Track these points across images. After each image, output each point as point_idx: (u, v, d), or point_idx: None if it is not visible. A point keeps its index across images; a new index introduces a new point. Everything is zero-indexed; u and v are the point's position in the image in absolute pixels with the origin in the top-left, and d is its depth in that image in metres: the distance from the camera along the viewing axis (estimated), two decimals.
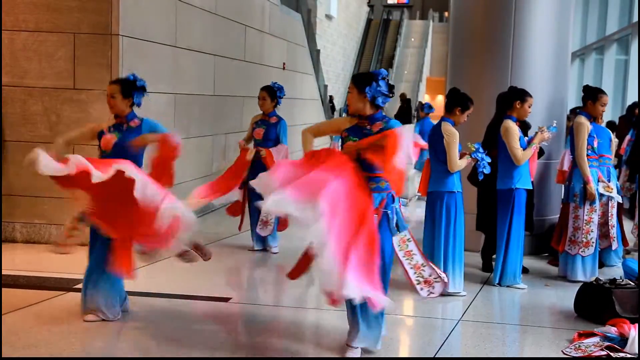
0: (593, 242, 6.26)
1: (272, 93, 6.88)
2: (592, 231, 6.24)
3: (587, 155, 6.22)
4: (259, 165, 6.61)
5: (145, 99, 7.65)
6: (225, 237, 7.68)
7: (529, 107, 6.05)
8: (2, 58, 6.87)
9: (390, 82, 4.33)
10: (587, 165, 6.20)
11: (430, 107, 13.42)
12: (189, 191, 8.72)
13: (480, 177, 5.73)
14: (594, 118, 6.37)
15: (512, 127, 5.94)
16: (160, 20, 7.90)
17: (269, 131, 6.82)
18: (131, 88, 4.97)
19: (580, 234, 6.27)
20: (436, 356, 4.44)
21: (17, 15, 6.91)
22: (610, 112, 14.89)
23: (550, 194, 7.37)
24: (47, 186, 6.95)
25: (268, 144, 6.82)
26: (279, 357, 4.31)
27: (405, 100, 21.14)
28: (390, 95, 4.29)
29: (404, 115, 19.62)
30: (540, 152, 6.48)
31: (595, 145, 6.33)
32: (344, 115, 10.53)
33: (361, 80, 4.27)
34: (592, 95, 6.37)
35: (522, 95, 6.05)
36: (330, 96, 22.27)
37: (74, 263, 6.31)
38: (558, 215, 7.16)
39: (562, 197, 6.65)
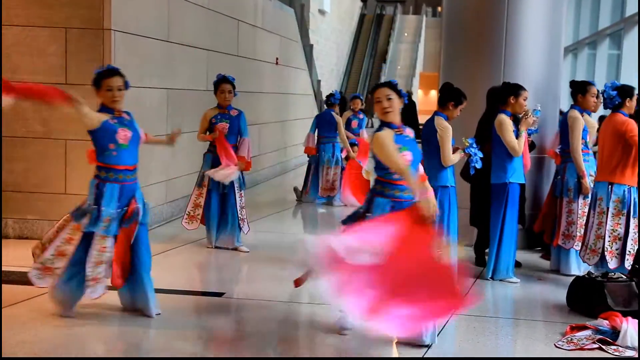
0: None
1: (234, 86, 6.89)
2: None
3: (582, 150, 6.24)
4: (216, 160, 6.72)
5: (138, 93, 7.65)
6: None
7: (524, 100, 6.07)
8: (1, 54, 6.83)
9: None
10: (582, 160, 6.22)
11: None
12: (182, 187, 8.74)
13: (472, 172, 5.74)
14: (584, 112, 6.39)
15: (505, 121, 5.96)
16: (153, 15, 7.87)
17: (232, 125, 6.78)
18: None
19: (575, 228, 6.28)
20: (429, 349, 4.44)
21: (9, 10, 6.87)
22: (602, 106, 14.90)
23: (543, 188, 7.39)
24: (39, 182, 6.97)
25: (232, 138, 6.77)
26: (280, 356, 4.30)
27: (409, 98, 20.96)
28: None
29: (409, 114, 19.29)
30: (532, 146, 6.49)
31: (589, 139, 6.34)
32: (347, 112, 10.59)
33: (396, 87, 4.38)
34: (580, 89, 6.40)
35: (515, 90, 6.06)
36: (340, 92, 22.19)
37: None
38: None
39: (552, 191, 6.62)
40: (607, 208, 5.64)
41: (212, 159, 6.77)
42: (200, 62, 9.25)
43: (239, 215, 6.80)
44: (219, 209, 6.84)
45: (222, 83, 6.79)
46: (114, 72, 4.77)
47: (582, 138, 6.26)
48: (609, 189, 5.64)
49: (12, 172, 6.91)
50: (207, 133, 6.82)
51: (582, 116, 6.33)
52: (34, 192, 6.95)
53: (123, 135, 4.73)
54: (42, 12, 6.88)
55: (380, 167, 4.35)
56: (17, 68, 6.91)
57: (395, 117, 4.34)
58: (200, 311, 5.12)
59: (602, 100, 6.17)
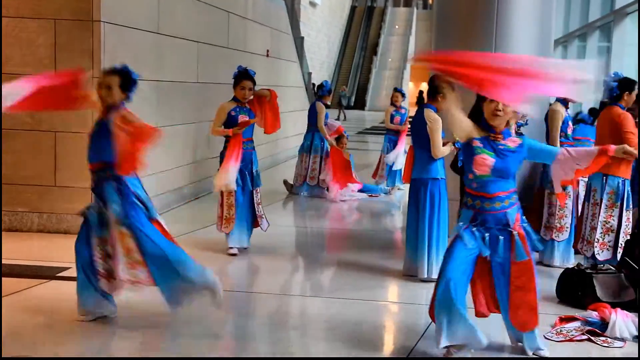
0: (567, 227, 6.28)
1: (254, 82, 6.69)
2: (565, 216, 6.27)
3: (561, 142, 6.25)
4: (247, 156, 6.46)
5: None
6: (211, 224, 7.67)
7: None
8: (1, 47, 6.78)
9: None
10: None
11: None
12: (172, 179, 8.73)
13: (460, 164, 5.75)
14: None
15: None
16: (143, 6, 7.84)
17: (251, 118, 6.59)
18: (130, 82, 4.67)
19: (554, 219, 6.31)
20: (419, 341, 4.46)
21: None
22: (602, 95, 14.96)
23: (532, 180, 7.41)
24: (30, 174, 6.94)
25: (249, 132, 6.51)
26: (280, 357, 4.31)
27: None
28: None
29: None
30: None
31: (569, 132, 6.36)
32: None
33: None
34: None
35: None
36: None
37: (57, 251, 6.30)
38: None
39: (537, 183, 6.66)
40: (601, 200, 5.66)
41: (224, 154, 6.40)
42: (191, 54, 9.22)
43: (256, 212, 6.60)
44: (244, 207, 6.53)
45: (244, 79, 6.45)
46: (110, 70, 4.64)
47: (562, 130, 6.28)
48: (604, 181, 5.65)
49: (2, 164, 6.87)
50: (223, 127, 6.43)
51: (567, 108, 6.34)
52: (24, 185, 6.92)
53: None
54: (32, 4, 6.83)
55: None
56: (7, 60, 6.87)
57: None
58: (193, 304, 5.12)
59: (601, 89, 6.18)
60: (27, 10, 6.84)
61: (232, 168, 6.28)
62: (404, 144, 10.25)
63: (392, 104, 10.70)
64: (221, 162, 6.41)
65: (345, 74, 36.59)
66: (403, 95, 10.81)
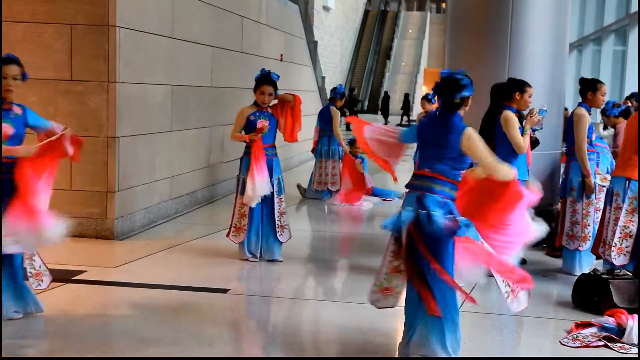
0: (590, 236, 6.23)
1: (276, 87, 6.40)
2: (589, 225, 6.21)
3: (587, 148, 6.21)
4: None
5: (142, 90, 7.65)
6: (224, 228, 7.69)
7: (529, 97, 6.05)
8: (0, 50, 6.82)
9: None
10: (587, 159, 6.18)
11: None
12: (186, 183, 8.75)
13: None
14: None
15: (511, 117, 5.93)
16: (157, 11, 7.87)
17: (272, 123, 6.29)
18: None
19: (578, 228, 6.26)
20: None
21: (14, 6, 6.88)
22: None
23: (548, 185, 7.37)
24: None
25: (270, 137, 6.31)
26: (279, 357, 4.31)
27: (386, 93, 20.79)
28: None
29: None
30: (536, 143, 6.48)
31: (594, 138, 6.32)
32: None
33: None
34: (591, 86, 6.35)
35: (521, 86, 6.04)
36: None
37: (72, 255, 6.33)
38: (557, 207, 7.16)
39: (560, 191, 6.61)
40: (623, 204, 5.60)
41: (250, 163, 6.17)
42: (205, 58, 9.25)
43: (277, 222, 6.35)
44: (262, 217, 6.34)
45: (265, 84, 6.22)
46: (9, 59, 4.50)
47: (587, 136, 6.22)
48: (626, 185, 5.57)
49: None
50: (243, 132, 6.26)
51: (590, 114, 6.30)
52: None
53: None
54: (48, 9, 6.89)
55: None
56: (23, 65, 6.90)
57: None
58: (205, 307, 5.13)
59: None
60: (43, 15, 6.89)
61: (258, 180, 6.08)
62: None
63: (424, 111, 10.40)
64: (241, 166, 6.30)
65: (359, 77, 36.60)
66: (430, 101, 10.54)
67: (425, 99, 10.14)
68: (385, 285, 4.19)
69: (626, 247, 5.55)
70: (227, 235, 6.45)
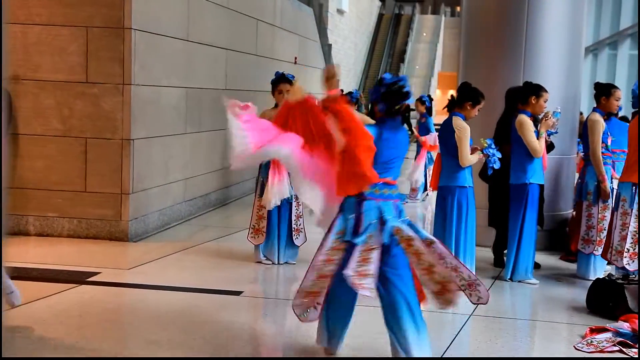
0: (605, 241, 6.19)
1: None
2: (604, 229, 6.18)
3: (602, 153, 6.18)
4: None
5: (157, 92, 7.68)
6: (238, 231, 7.70)
7: (545, 102, 6.03)
8: (11, 52, 6.88)
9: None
10: (602, 164, 6.15)
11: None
12: (200, 185, 8.77)
13: (489, 172, 5.73)
14: (608, 114, 6.34)
15: (526, 121, 5.92)
16: (173, 14, 7.91)
17: None
18: None
19: (593, 232, 6.22)
20: (448, 349, 4.43)
21: (30, 8, 6.93)
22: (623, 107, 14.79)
23: (562, 189, 7.34)
24: (60, 180, 7.02)
25: None
26: (280, 357, 4.30)
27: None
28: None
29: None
30: (551, 147, 6.46)
31: (609, 142, 6.29)
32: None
33: None
34: (605, 91, 6.33)
35: (537, 90, 6.02)
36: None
37: (87, 256, 6.36)
38: (570, 211, 7.13)
39: (575, 196, 6.58)
40: (631, 210, 5.56)
41: (269, 166, 6.12)
42: (219, 61, 9.28)
43: (294, 226, 6.34)
44: (280, 220, 6.30)
45: (281, 83, 6.25)
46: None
47: (603, 141, 6.19)
48: (633, 190, 5.55)
49: (33, 170, 6.96)
50: None
51: (604, 119, 6.27)
52: (55, 190, 7.01)
53: None
54: (64, 11, 6.93)
55: None
56: (38, 67, 6.97)
57: None
58: (218, 309, 5.14)
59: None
60: (59, 17, 6.94)
61: (278, 183, 6.04)
62: (424, 158, 9.97)
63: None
64: (260, 168, 6.29)
65: (373, 81, 36.58)
66: (424, 103, 10.49)
67: (420, 100, 10.46)
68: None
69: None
70: (248, 237, 6.42)
